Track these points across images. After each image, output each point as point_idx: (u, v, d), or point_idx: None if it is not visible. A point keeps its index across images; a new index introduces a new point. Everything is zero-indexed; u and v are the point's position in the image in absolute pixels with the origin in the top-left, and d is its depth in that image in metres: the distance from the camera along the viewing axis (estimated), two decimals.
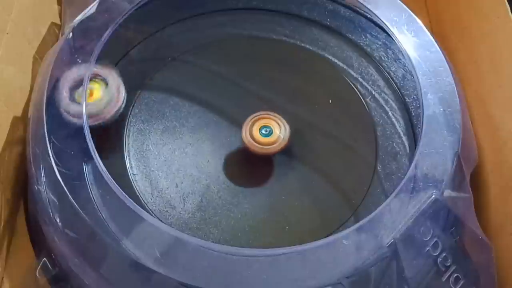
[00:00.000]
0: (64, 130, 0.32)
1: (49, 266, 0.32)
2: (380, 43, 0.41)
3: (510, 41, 0.37)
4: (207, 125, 0.37)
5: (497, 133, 0.37)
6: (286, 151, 0.35)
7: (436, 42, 0.37)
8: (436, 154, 0.33)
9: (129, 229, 0.30)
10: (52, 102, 0.33)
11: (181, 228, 0.33)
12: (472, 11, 0.43)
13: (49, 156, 0.32)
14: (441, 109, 0.34)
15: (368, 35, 0.41)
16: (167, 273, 0.29)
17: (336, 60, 0.40)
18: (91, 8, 0.37)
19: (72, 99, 0.33)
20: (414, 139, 0.37)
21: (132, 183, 0.34)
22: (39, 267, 0.32)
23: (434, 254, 0.31)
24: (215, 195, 0.35)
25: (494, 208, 0.36)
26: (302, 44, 0.41)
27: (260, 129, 0.34)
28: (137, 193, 0.34)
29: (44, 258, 0.32)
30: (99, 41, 0.35)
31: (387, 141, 0.37)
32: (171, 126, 0.37)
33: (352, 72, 0.40)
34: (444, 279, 0.31)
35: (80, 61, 0.34)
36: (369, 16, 0.40)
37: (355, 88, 0.39)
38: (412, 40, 0.37)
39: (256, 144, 0.34)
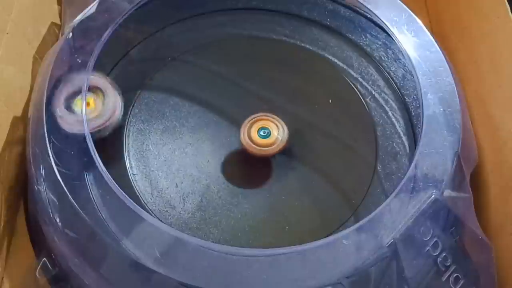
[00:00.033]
0: (64, 130, 0.32)
1: (49, 266, 0.32)
2: (380, 43, 0.41)
3: (510, 41, 0.37)
4: (207, 125, 0.37)
5: (497, 133, 0.37)
6: (286, 151, 0.35)
7: (436, 42, 0.37)
8: (436, 154, 0.33)
9: (129, 229, 0.30)
10: (52, 102, 0.33)
11: (181, 228, 0.33)
12: (472, 11, 0.43)
13: (49, 156, 0.32)
14: (441, 109, 0.34)
15: (368, 35, 0.41)
16: (167, 273, 0.29)
17: (336, 60, 0.40)
18: (91, 8, 0.37)
19: (69, 109, 0.33)
20: (414, 139, 0.37)
21: (132, 183, 0.34)
22: (39, 267, 0.32)
23: (434, 254, 0.31)
24: (215, 195, 0.35)
25: (494, 208, 0.36)
26: (302, 44, 0.41)
27: (258, 131, 0.34)
28: (137, 193, 0.34)
29: (44, 258, 0.32)
30: (99, 41, 0.35)
31: (387, 141, 0.37)
32: (171, 126, 0.37)
33: (352, 72, 0.40)
34: (444, 279, 0.31)
35: (80, 61, 0.34)
36: (369, 16, 0.40)
37: (355, 88, 0.39)
38: (412, 40, 0.37)
39: (254, 146, 0.34)
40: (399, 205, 0.31)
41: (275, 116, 0.35)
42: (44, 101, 0.33)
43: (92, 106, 0.33)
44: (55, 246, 0.31)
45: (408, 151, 0.37)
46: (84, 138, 0.31)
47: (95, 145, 0.31)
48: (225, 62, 0.40)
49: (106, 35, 0.35)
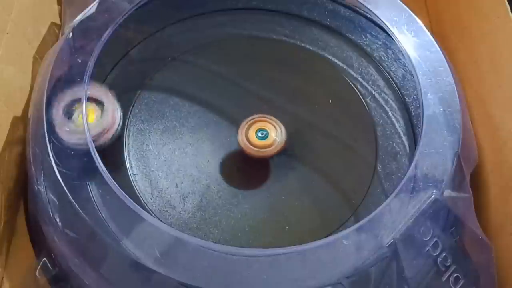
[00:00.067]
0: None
1: (49, 266, 0.32)
2: (380, 43, 0.41)
3: (510, 41, 0.37)
4: (207, 125, 0.37)
5: (497, 133, 0.37)
6: (286, 151, 0.35)
7: (436, 42, 0.37)
8: (436, 154, 0.33)
9: (129, 229, 0.30)
10: (52, 102, 0.33)
11: (181, 228, 0.33)
12: (472, 11, 0.43)
13: (49, 156, 0.32)
14: (441, 109, 0.34)
15: (368, 35, 0.41)
16: (167, 273, 0.29)
17: (336, 60, 0.40)
18: (91, 8, 0.37)
19: (68, 119, 0.32)
20: (414, 139, 0.37)
21: (132, 183, 0.34)
22: (39, 267, 0.32)
23: (434, 254, 0.31)
24: (215, 195, 0.35)
25: (494, 208, 0.36)
26: (302, 44, 0.41)
27: (256, 132, 0.34)
28: (137, 193, 0.34)
29: (44, 258, 0.32)
30: (99, 41, 0.35)
31: (387, 141, 0.37)
32: (171, 126, 0.37)
33: (352, 72, 0.40)
34: (444, 279, 0.31)
35: (80, 61, 0.34)
36: (369, 16, 0.40)
37: (355, 88, 0.39)
38: (412, 40, 0.37)
39: (252, 147, 0.34)
40: (399, 205, 0.31)
41: (273, 118, 0.35)
42: (44, 101, 0.33)
43: (91, 117, 0.33)
44: (55, 246, 0.31)
45: (408, 151, 0.37)
46: (85, 140, 0.31)
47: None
48: (225, 62, 0.40)
49: (106, 35, 0.35)
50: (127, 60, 0.39)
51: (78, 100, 0.33)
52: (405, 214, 0.30)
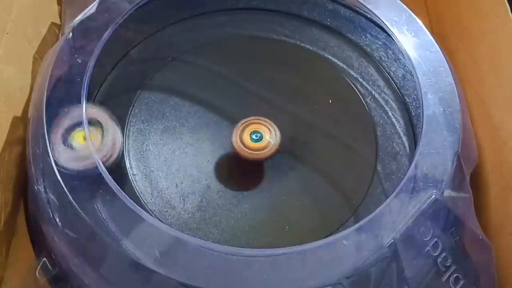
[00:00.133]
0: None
1: (49, 266, 0.32)
2: (380, 43, 0.41)
3: (510, 41, 0.37)
4: (207, 125, 0.37)
5: (497, 133, 0.37)
6: (287, 151, 0.35)
7: (436, 42, 0.37)
8: (436, 154, 0.33)
9: (129, 229, 0.30)
10: (52, 102, 0.33)
11: (181, 228, 0.33)
12: (472, 11, 0.43)
13: (49, 156, 0.31)
14: (441, 109, 0.34)
15: (368, 35, 0.41)
16: (167, 273, 0.29)
17: (336, 60, 0.40)
18: (91, 8, 0.37)
19: (66, 143, 0.32)
20: (414, 139, 0.37)
21: (132, 183, 0.34)
22: (39, 267, 0.32)
23: (434, 254, 0.31)
24: (215, 195, 0.35)
25: (494, 208, 0.36)
26: (302, 44, 0.41)
27: (250, 135, 0.34)
28: (137, 193, 0.34)
29: (44, 258, 0.32)
30: (99, 41, 0.35)
31: (387, 141, 0.37)
32: (171, 126, 0.37)
33: (352, 72, 0.40)
34: (444, 279, 0.31)
35: (80, 61, 0.34)
36: (369, 16, 0.40)
37: (355, 88, 0.39)
38: (412, 40, 0.37)
39: (246, 150, 0.34)
40: (399, 205, 0.31)
41: (267, 120, 0.35)
42: (44, 101, 0.33)
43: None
44: (55, 246, 0.31)
45: (408, 151, 0.37)
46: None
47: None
48: (225, 62, 0.40)
49: (106, 35, 0.35)
50: (127, 60, 0.39)
51: (77, 125, 0.32)
52: (405, 214, 0.30)
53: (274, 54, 0.40)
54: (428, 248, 0.30)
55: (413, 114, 0.38)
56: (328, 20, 0.42)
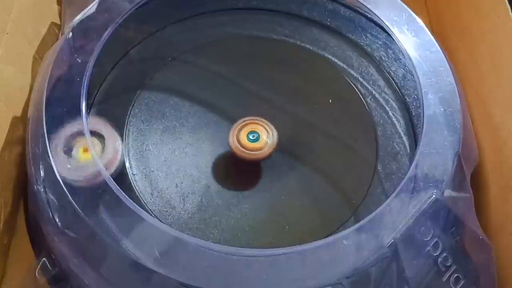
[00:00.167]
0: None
1: (49, 266, 0.32)
2: (380, 43, 0.41)
3: (510, 41, 0.37)
4: (207, 125, 0.37)
5: (497, 133, 0.37)
6: (286, 151, 0.35)
7: (436, 42, 0.37)
8: (436, 154, 0.33)
9: (129, 229, 0.29)
10: (51, 102, 0.33)
11: (181, 228, 0.33)
12: (472, 11, 0.43)
13: (49, 156, 0.31)
14: (442, 109, 0.34)
15: (368, 35, 0.41)
16: (167, 273, 0.29)
17: (336, 60, 0.40)
18: (91, 8, 0.37)
19: (67, 154, 0.31)
20: (414, 139, 0.37)
21: (132, 183, 0.34)
22: (39, 267, 0.32)
23: (435, 254, 0.31)
24: (215, 195, 0.35)
25: (494, 208, 0.36)
26: (302, 44, 0.41)
27: (247, 135, 0.34)
28: (137, 193, 0.34)
29: (44, 258, 0.32)
30: (99, 41, 0.35)
31: (387, 141, 0.37)
32: (171, 126, 0.37)
33: (352, 72, 0.40)
34: (444, 279, 0.31)
35: (80, 61, 0.34)
36: (369, 16, 0.40)
37: (355, 88, 0.39)
38: (413, 40, 0.37)
39: (243, 150, 0.34)
40: (400, 205, 0.31)
41: (264, 120, 0.35)
42: (44, 101, 0.33)
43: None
44: (55, 246, 0.31)
45: (408, 151, 0.37)
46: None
47: None
48: (225, 62, 0.40)
49: (106, 35, 0.35)
50: (127, 60, 0.39)
51: (77, 135, 0.32)
52: (406, 214, 0.30)
53: (274, 54, 0.40)
54: (428, 248, 0.30)
55: (414, 114, 0.38)
56: (328, 20, 0.42)
